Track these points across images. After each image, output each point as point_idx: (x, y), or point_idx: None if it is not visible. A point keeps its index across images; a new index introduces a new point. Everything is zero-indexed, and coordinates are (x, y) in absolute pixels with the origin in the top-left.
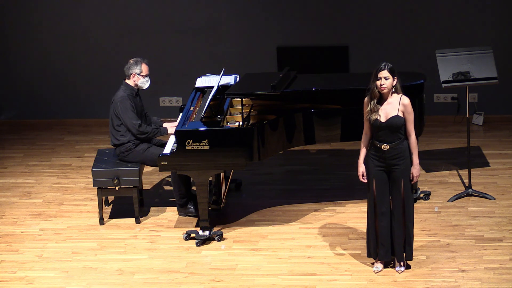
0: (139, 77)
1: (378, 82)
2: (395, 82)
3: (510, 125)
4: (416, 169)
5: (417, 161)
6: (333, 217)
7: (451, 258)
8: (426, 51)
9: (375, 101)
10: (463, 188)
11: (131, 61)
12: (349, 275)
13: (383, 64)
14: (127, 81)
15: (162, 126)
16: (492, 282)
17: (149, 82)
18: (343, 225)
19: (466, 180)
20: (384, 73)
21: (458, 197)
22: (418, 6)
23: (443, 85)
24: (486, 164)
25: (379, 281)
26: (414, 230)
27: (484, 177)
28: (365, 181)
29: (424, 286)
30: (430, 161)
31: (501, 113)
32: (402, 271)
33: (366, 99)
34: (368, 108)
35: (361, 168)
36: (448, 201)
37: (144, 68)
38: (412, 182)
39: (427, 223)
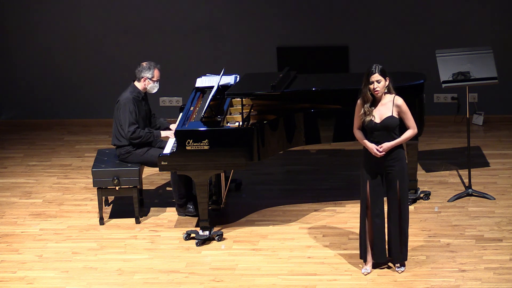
0: (149, 81)
1: (371, 86)
2: (387, 83)
3: (510, 125)
4: (386, 146)
5: (393, 144)
6: (333, 217)
7: (451, 258)
8: (426, 51)
9: (369, 104)
10: (463, 188)
11: (144, 64)
12: (349, 275)
13: (373, 67)
14: (136, 83)
15: (160, 129)
16: (492, 282)
17: (158, 87)
18: (343, 225)
19: (466, 180)
20: (376, 77)
21: (458, 197)
22: (418, 6)
23: (443, 85)
24: (486, 164)
25: (379, 281)
26: (414, 230)
27: (484, 177)
28: (381, 153)
29: (424, 286)
30: (430, 161)
31: (501, 113)
32: (402, 271)
33: (359, 101)
34: (362, 111)
35: (369, 144)
36: (448, 201)
37: (156, 73)
38: (377, 150)
39: (427, 223)
